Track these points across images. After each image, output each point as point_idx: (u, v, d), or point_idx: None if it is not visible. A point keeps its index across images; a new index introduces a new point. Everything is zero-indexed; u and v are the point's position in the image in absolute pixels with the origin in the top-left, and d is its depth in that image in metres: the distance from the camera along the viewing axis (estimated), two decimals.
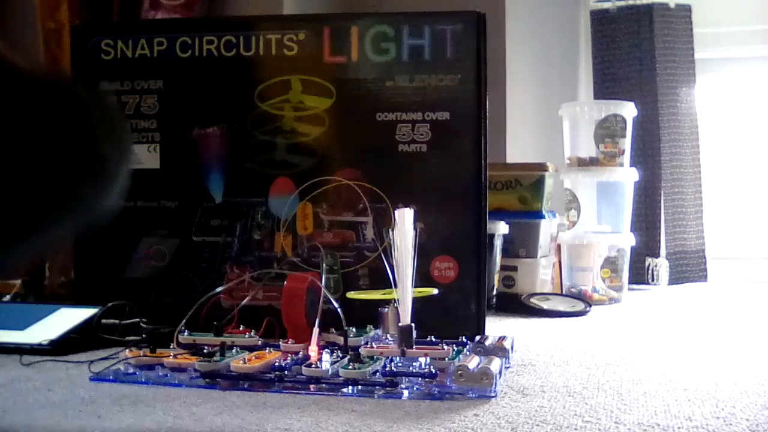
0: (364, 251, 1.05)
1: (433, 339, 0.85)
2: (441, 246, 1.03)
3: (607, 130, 1.59)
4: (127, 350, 0.85)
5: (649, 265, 1.89)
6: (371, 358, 0.79)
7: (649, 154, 1.90)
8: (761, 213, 2.04)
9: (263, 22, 1.10)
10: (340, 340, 0.85)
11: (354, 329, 0.90)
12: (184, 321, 0.90)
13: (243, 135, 1.08)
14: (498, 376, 0.74)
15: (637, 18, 1.93)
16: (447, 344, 0.83)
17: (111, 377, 0.80)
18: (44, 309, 1.06)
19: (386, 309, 0.92)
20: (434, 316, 0.97)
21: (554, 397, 0.73)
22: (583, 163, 1.61)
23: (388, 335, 0.91)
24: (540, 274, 1.51)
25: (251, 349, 0.85)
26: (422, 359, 0.78)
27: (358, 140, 1.06)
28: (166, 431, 0.62)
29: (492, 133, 1.07)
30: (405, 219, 0.81)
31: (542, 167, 1.53)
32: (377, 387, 0.74)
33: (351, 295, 0.98)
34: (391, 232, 0.81)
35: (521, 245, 1.49)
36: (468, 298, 1.03)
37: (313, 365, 0.76)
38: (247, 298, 0.99)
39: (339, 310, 0.88)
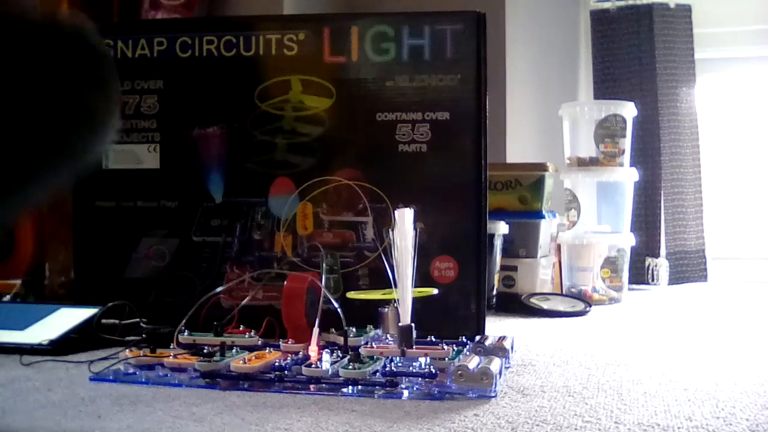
0: (364, 251, 1.05)
1: (433, 339, 0.85)
2: (441, 246, 1.03)
3: (607, 130, 1.59)
4: (127, 350, 0.85)
5: (649, 265, 1.89)
6: (371, 358, 0.79)
7: (649, 154, 1.90)
8: (761, 213, 2.04)
9: (263, 22, 1.10)
10: (340, 340, 0.85)
11: (354, 329, 0.90)
12: (184, 321, 0.90)
13: (243, 135, 1.08)
14: (498, 376, 0.74)
15: (637, 18, 1.93)
16: (447, 344, 0.83)
17: (111, 377, 0.80)
18: (44, 309, 1.06)
19: (386, 309, 0.92)
20: (434, 316, 0.97)
21: (554, 397, 0.73)
22: (583, 163, 1.61)
23: (388, 335, 0.91)
24: (540, 274, 1.51)
25: (251, 349, 0.85)
26: (422, 359, 0.78)
27: (358, 140, 1.06)
28: (166, 431, 0.62)
29: (492, 133, 1.07)
30: (405, 219, 0.81)
31: (542, 167, 1.53)
32: (377, 387, 0.74)
33: (351, 295, 0.98)
34: (391, 232, 0.81)
35: (521, 245, 1.49)
36: (468, 298, 1.03)
37: (313, 365, 0.76)
38: (247, 298, 0.99)
39: (339, 310, 0.88)
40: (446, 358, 0.78)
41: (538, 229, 1.50)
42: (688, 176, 1.93)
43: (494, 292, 1.43)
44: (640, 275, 1.89)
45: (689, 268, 1.92)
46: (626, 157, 1.61)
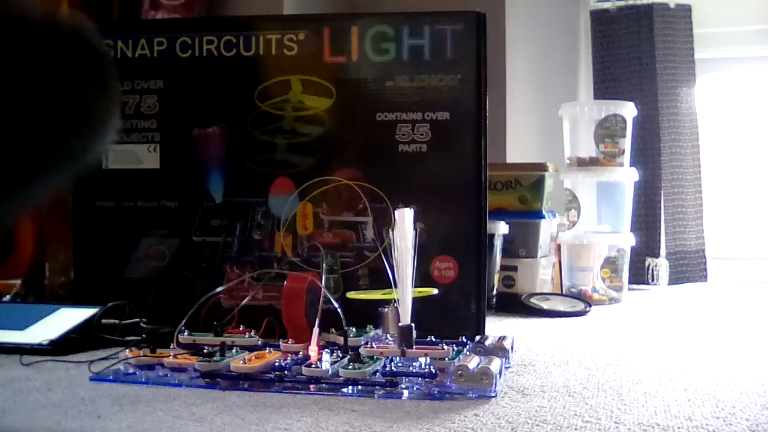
0: (364, 251, 1.05)
1: (433, 339, 0.85)
2: (441, 246, 1.03)
3: (607, 130, 1.59)
4: (127, 350, 0.85)
5: (649, 265, 1.89)
6: (371, 358, 0.79)
7: (649, 154, 1.90)
8: (761, 213, 2.04)
9: (263, 22, 1.10)
10: (340, 340, 0.85)
11: (354, 329, 0.90)
12: (184, 321, 0.90)
13: (243, 135, 1.08)
14: (498, 376, 0.74)
15: (637, 18, 1.93)
16: (447, 344, 0.83)
17: (111, 377, 0.80)
18: (44, 309, 1.06)
19: (386, 309, 0.92)
20: (434, 316, 0.97)
21: (554, 397, 0.73)
22: (583, 163, 1.61)
23: (388, 335, 0.91)
24: (540, 274, 1.51)
25: (251, 349, 0.85)
26: (422, 359, 0.78)
27: (358, 140, 1.06)
28: (166, 431, 0.62)
29: (492, 133, 1.07)
30: (405, 219, 0.81)
31: (542, 167, 1.53)
32: (377, 387, 0.74)
33: (351, 295, 0.98)
34: (391, 232, 0.81)
35: (521, 245, 1.49)
36: (468, 298, 1.03)
37: (313, 365, 0.76)
38: (247, 298, 0.99)
39: (339, 310, 0.88)
40: (446, 358, 0.78)
41: (538, 229, 1.50)
42: (688, 176, 1.93)
43: (494, 292, 1.43)
44: (640, 275, 1.89)
45: (689, 268, 1.92)
46: (626, 157, 1.61)
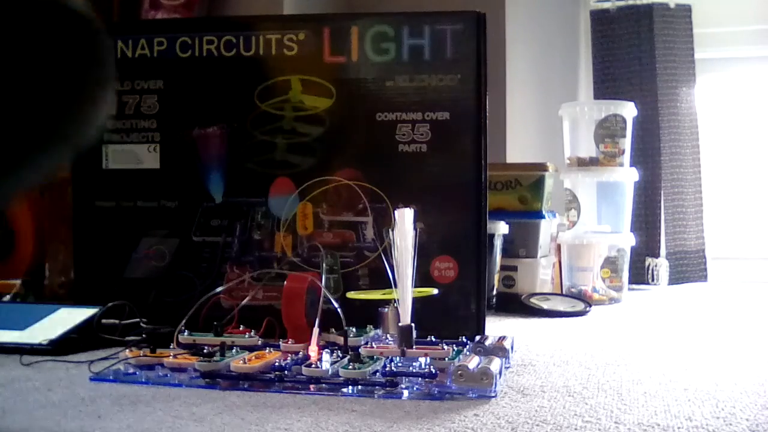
0: (364, 251, 1.05)
1: (433, 339, 0.85)
2: (441, 246, 1.03)
3: (607, 130, 1.59)
4: (127, 350, 0.85)
5: (649, 265, 1.90)
6: (371, 358, 0.79)
7: (649, 154, 1.90)
8: (761, 213, 2.04)
9: (263, 22, 1.10)
10: (340, 340, 0.85)
11: (354, 329, 0.90)
12: (184, 321, 0.90)
13: (243, 135, 1.08)
14: (498, 376, 0.74)
15: (637, 18, 1.93)
16: (447, 344, 0.83)
17: (111, 377, 0.80)
18: (44, 309, 1.06)
19: (386, 309, 0.92)
20: (434, 316, 0.97)
21: (554, 397, 0.73)
22: (583, 163, 1.61)
23: (388, 335, 0.91)
24: (540, 274, 1.51)
25: (251, 349, 0.85)
26: (422, 359, 0.78)
27: (358, 140, 1.06)
28: (166, 431, 0.62)
29: (492, 133, 1.07)
30: (405, 219, 0.81)
31: (542, 167, 1.53)
32: (377, 387, 0.74)
33: (351, 295, 0.98)
34: (391, 232, 0.81)
35: (521, 245, 1.49)
36: (468, 298, 1.03)
37: (313, 365, 0.76)
38: (247, 298, 0.99)
39: (339, 310, 0.88)
40: (446, 358, 0.78)
41: (538, 229, 1.50)
42: (688, 176, 1.93)
43: (494, 292, 1.43)
44: (640, 275, 1.89)
45: (689, 268, 1.92)
46: (626, 157, 1.61)
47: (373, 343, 0.85)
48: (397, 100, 1.05)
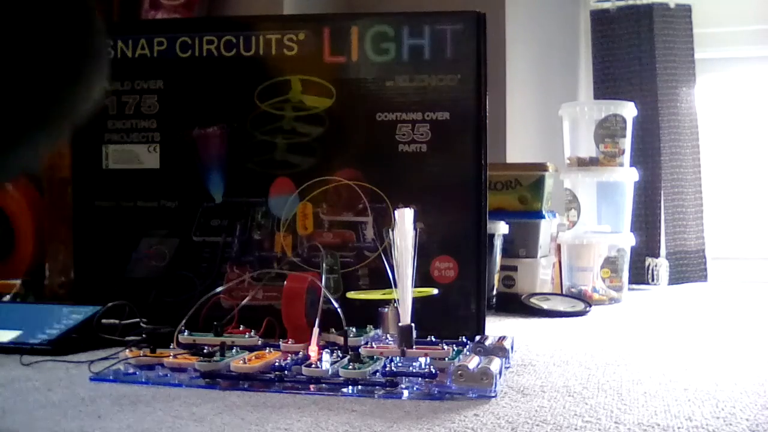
0: (364, 251, 1.05)
1: (433, 339, 0.85)
2: (441, 246, 1.03)
3: (607, 130, 1.59)
4: (127, 350, 0.85)
5: (649, 265, 1.89)
6: (371, 358, 0.79)
7: (649, 154, 1.90)
8: (761, 213, 2.04)
9: (263, 22, 1.10)
10: (340, 340, 0.85)
11: (354, 329, 0.90)
12: (184, 321, 0.90)
13: (243, 135, 1.08)
14: (498, 376, 0.74)
15: (637, 18, 1.93)
16: (447, 344, 0.83)
17: (111, 377, 0.80)
18: (44, 309, 1.06)
19: (386, 309, 0.92)
20: (434, 316, 0.97)
21: (554, 397, 0.73)
22: (583, 163, 1.61)
23: (388, 335, 0.91)
24: (540, 274, 1.51)
25: (251, 349, 0.85)
26: (422, 359, 0.78)
27: (358, 140, 1.06)
28: (166, 431, 0.62)
29: (492, 133, 1.07)
30: (405, 219, 0.81)
31: (542, 167, 1.53)
32: (377, 387, 0.74)
33: (351, 295, 0.98)
34: (391, 232, 0.81)
35: (521, 245, 1.49)
36: (468, 298, 1.03)
37: (313, 365, 0.76)
38: (247, 298, 0.99)
39: (339, 310, 0.88)
40: (446, 358, 0.78)
41: (538, 229, 1.50)
42: (688, 176, 1.93)
43: (494, 292, 1.43)
44: (640, 275, 1.89)
45: (689, 268, 1.92)
46: (626, 157, 1.61)
47: (373, 343, 0.85)
48: (397, 100, 1.05)
